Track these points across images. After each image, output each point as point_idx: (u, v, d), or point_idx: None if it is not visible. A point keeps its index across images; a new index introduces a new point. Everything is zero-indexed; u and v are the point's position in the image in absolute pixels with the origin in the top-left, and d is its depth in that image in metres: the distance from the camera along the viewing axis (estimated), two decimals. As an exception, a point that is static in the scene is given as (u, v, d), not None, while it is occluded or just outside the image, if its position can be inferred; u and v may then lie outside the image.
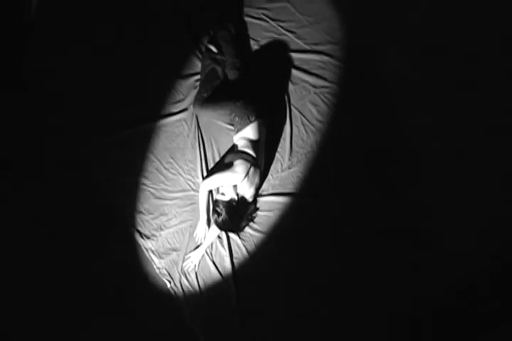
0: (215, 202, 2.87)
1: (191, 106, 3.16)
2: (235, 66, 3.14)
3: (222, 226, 2.83)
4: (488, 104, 3.25)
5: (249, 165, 2.85)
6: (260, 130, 2.99)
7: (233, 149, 3.08)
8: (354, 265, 3.03)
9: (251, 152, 2.91)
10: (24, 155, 3.05)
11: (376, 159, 3.19)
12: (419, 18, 3.38)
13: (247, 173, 2.84)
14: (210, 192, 3.04)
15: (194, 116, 3.17)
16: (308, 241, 3.03)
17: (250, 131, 2.96)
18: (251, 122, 2.95)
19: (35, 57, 3.19)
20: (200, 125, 3.16)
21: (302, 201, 3.08)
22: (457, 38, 3.36)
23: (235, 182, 2.86)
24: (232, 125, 3.07)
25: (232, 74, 3.13)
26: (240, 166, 2.86)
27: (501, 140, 3.21)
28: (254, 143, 2.95)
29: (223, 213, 2.80)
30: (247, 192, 2.92)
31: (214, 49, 3.21)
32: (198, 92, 3.13)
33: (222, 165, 3.01)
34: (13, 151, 3.05)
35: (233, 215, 2.81)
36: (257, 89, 3.18)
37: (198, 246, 3.01)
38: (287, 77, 3.26)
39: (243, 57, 3.19)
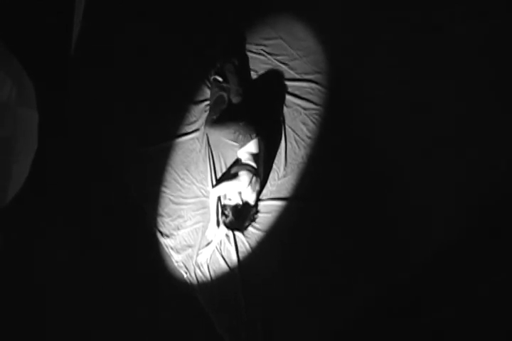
0: (223, 207, 3.17)
1: (203, 127, 3.41)
2: (238, 92, 3.37)
3: (229, 226, 3.13)
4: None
5: (251, 175, 3.15)
6: (259, 145, 3.25)
7: (237, 162, 3.31)
8: (340, 259, 3.26)
9: (253, 164, 3.20)
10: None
11: (356, 167, 3.43)
12: (392, 49, 3.62)
13: (250, 182, 3.15)
14: (219, 198, 3.25)
15: (205, 135, 3.42)
16: (300, 237, 3.29)
17: (252, 147, 3.24)
18: (252, 139, 3.22)
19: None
20: (210, 142, 3.41)
21: (295, 204, 3.34)
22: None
23: (240, 189, 3.15)
24: (236, 142, 3.28)
25: (236, 99, 3.38)
26: (244, 176, 3.13)
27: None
28: (255, 156, 3.24)
29: (230, 215, 3.10)
30: (250, 197, 3.20)
31: (220, 78, 3.40)
32: (209, 115, 3.36)
33: (229, 175, 3.23)
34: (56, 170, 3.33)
35: (238, 217, 3.12)
36: (256, 111, 3.43)
37: (209, 243, 3.25)
38: (282, 101, 3.53)
39: (245, 85, 3.44)
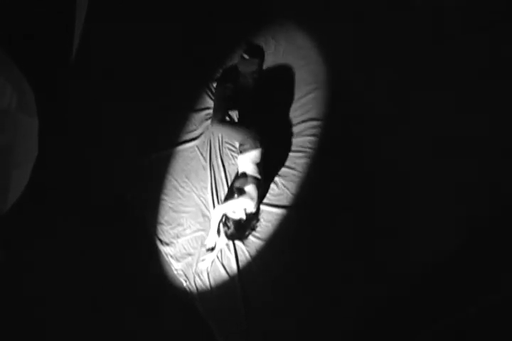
0: (226, 219, 3.18)
1: (202, 135, 3.44)
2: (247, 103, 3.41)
3: (230, 237, 3.20)
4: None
5: (257, 188, 3.17)
6: (261, 155, 3.27)
7: (238, 173, 3.32)
8: (336, 265, 3.28)
9: (258, 176, 3.21)
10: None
11: (352, 178, 3.45)
12: (394, 59, 3.63)
13: (258, 196, 3.17)
14: (221, 210, 3.23)
15: (205, 143, 3.43)
16: (298, 245, 3.31)
17: (255, 155, 3.24)
18: (256, 148, 3.24)
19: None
20: (212, 150, 3.43)
21: (295, 213, 3.36)
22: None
23: (248, 206, 3.17)
24: (242, 145, 3.26)
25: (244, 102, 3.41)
26: (252, 192, 3.16)
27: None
28: (257, 166, 3.25)
29: (232, 228, 3.15)
30: (253, 209, 3.23)
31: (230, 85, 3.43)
32: (214, 113, 3.36)
33: (235, 189, 3.23)
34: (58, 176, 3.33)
35: (240, 229, 3.19)
36: (262, 120, 3.41)
37: (208, 251, 3.26)
38: (284, 111, 3.52)
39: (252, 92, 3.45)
